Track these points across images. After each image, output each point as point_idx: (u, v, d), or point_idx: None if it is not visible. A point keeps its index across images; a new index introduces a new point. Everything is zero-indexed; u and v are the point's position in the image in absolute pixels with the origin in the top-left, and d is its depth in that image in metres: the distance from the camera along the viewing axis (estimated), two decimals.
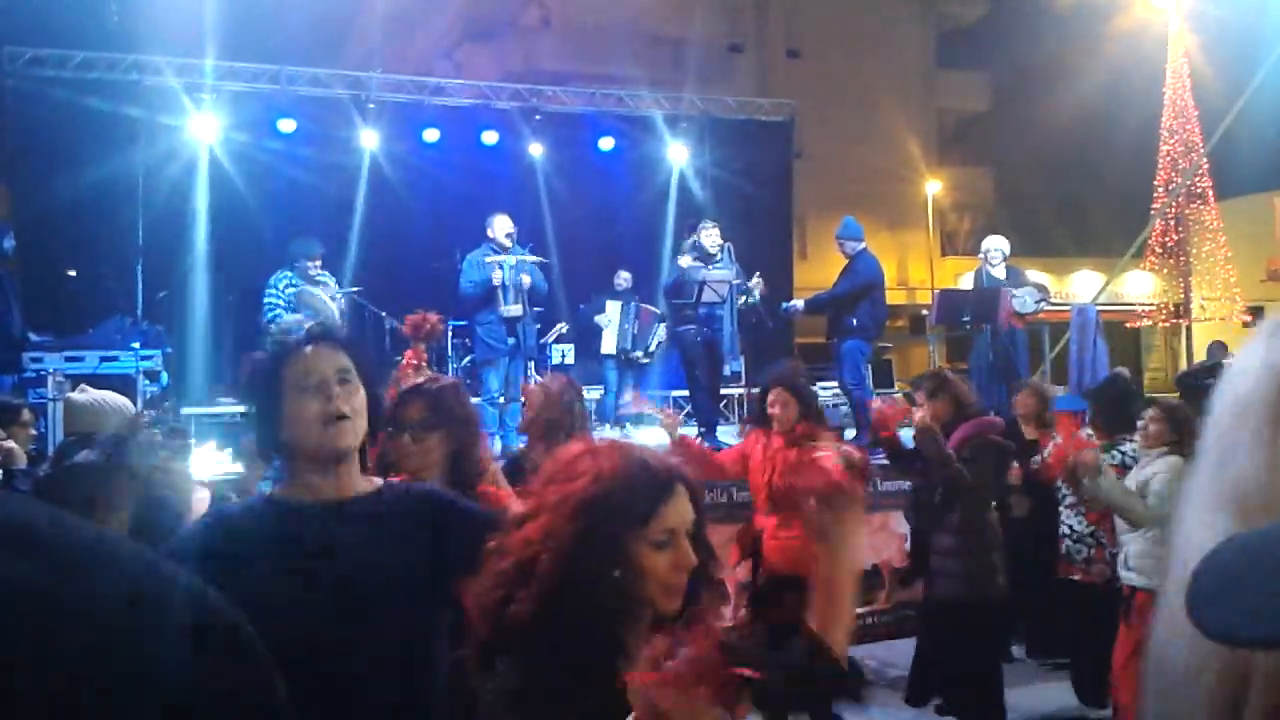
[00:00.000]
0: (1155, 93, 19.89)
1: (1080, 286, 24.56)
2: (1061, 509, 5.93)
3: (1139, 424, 5.14)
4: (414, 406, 3.04)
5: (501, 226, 9.04)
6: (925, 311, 19.45)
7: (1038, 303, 9.80)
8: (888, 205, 24.78)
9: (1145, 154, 19.87)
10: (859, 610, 6.97)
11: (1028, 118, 23.38)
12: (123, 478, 3.71)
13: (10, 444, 4.75)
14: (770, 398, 5.16)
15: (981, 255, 10.13)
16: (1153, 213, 19.13)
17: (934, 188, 25.65)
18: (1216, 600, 0.88)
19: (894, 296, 27.00)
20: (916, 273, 26.38)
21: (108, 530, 0.59)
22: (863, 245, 9.25)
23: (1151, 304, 20.88)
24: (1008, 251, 9.97)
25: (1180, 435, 4.85)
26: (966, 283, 14.50)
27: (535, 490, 1.70)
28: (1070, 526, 5.88)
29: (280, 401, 2.10)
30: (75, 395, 4.27)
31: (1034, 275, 12.75)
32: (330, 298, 8.51)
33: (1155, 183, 19.52)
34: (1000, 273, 9.86)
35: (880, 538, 7.31)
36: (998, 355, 9.75)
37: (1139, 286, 22.74)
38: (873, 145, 23.89)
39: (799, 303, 9.02)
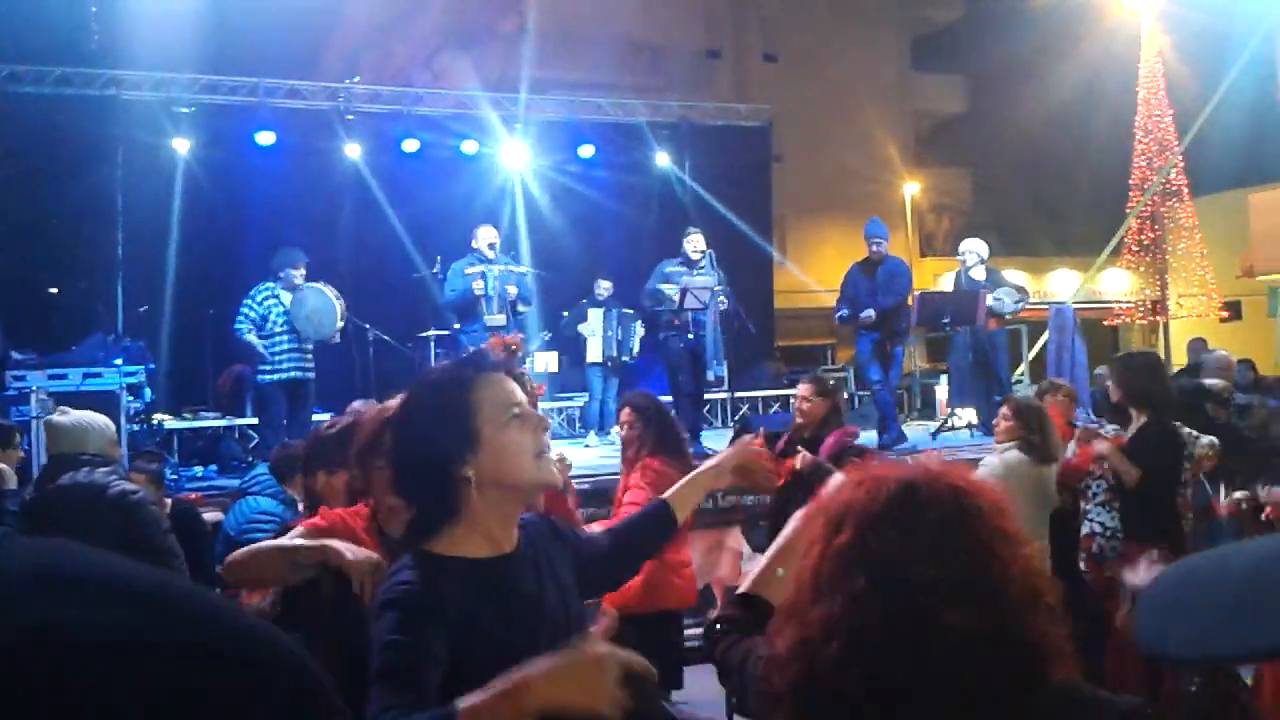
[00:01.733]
0: (1129, 92, 20.05)
1: (1058, 285, 24.72)
2: (1089, 506, 5.65)
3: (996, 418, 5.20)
4: None
5: (485, 236, 9.09)
6: None
7: (1016, 303, 9.89)
8: (866, 207, 24.74)
9: (1120, 153, 20.02)
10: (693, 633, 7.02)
11: (1004, 119, 23.54)
12: (109, 499, 3.74)
13: (1, 466, 4.76)
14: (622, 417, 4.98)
15: (960, 258, 10.22)
16: (1128, 211, 19.29)
17: (912, 189, 25.77)
18: (1155, 621, 1.03)
19: None
20: None
21: (202, 588, 0.62)
22: None
23: (1129, 301, 21.04)
24: (985, 254, 10.07)
25: (1029, 431, 4.92)
26: (946, 283, 14.62)
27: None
28: (1102, 524, 5.58)
29: (475, 429, 1.84)
30: (56, 417, 4.28)
31: (1012, 276, 12.86)
32: (335, 297, 8.52)
33: (1130, 181, 19.67)
34: (979, 274, 9.95)
35: (714, 556, 7.25)
36: (977, 356, 9.84)
37: (1116, 284, 22.92)
38: (850, 148, 24.00)
39: (871, 312, 9.02)
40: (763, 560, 1.93)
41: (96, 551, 0.63)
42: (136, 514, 3.76)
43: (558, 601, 1.92)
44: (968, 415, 10.36)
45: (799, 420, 5.29)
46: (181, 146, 11.62)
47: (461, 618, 1.76)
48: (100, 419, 4.42)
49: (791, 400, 5.58)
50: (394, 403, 2.96)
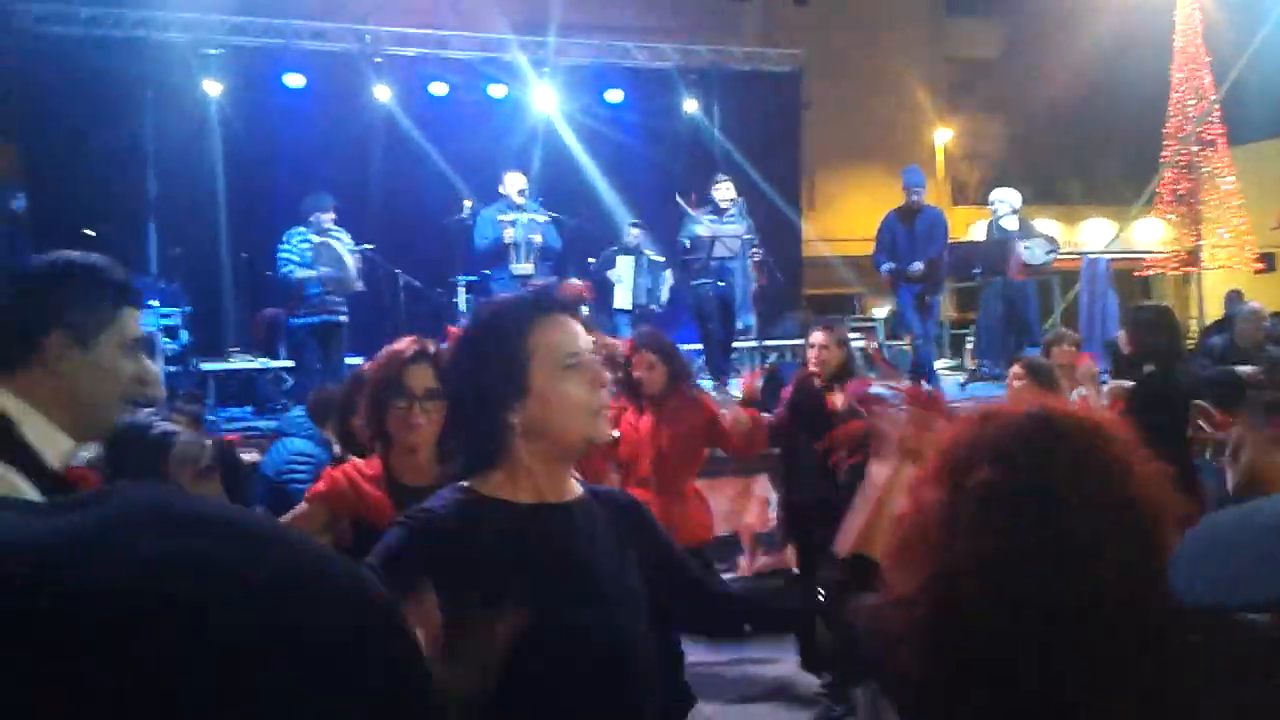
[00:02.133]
0: (1166, 39, 19.68)
1: (1091, 235, 24.47)
2: None
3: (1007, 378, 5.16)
4: (421, 374, 2.79)
5: (513, 183, 9.09)
6: None
7: (1048, 254, 9.81)
8: (897, 155, 24.52)
9: (1156, 101, 19.70)
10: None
11: (1038, 65, 23.15)
12: (150, 439, 3.79)
13: None
14: (635, 360, 4.93)
15: (991, 207, 10.13)
16: (1163, 160, 19.02)
17: (944, 137, 25.47)
18: (1185, 571, 1.10)
19: None
20: None
21: (269, 517, 0.67)
22: None
23: (1162, 252, 20.80)
24: (1017, 204, 9.98)
25: (1045, 388, 4.83)
26: (977, 232, 14.49)
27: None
28: None
29: (525, 374, 1.74)
30: None
31: (1044, 225, 12.76)
32: (348, 251, 8.58)
33: (1165, 130, 19.36)
34: (1010, 224, 9.87)
35: (741, 503, 7.27)
36: (1008, 307, 9.79)
37: (1149, 234, 22.65)
38: (881, 95, 23.71)
39: (919, 265, 8.97)
40: (855, 518, 1.90)
41: (195, 496, 0.69)
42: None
43: (610, 574, 1.79)
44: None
45: (814, 369, 5.27)
46: (212, 89, 11.62)
47: (480, 555, 1.68)
48: None
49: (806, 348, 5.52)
50: (401, 343, 2.89)
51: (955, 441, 1.42)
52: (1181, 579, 1.10)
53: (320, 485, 2.93)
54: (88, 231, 9.72)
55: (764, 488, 7.16)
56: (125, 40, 11.37)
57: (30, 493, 1.68)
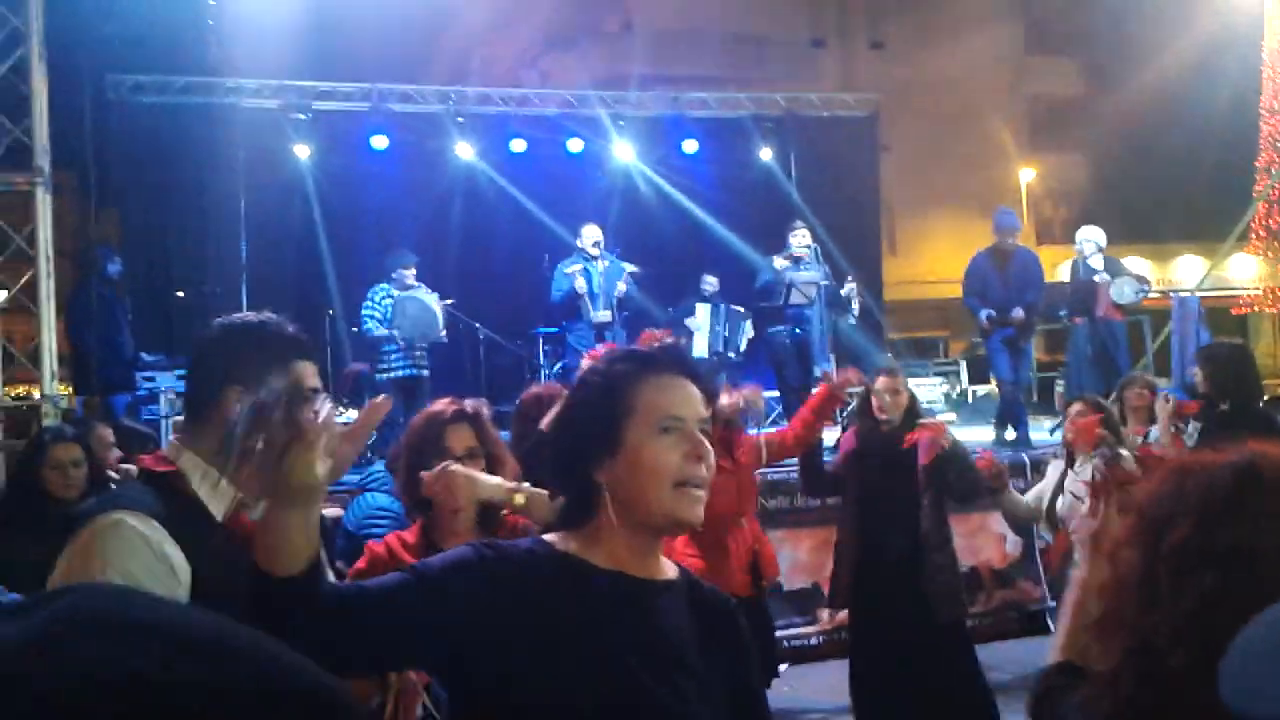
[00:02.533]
0: (1254, 70, 19.20)
1: (1183, 273, 23.87)
2: None
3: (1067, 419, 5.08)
4: (461, 434, 2.74)
5: (590, 235, 9.21)
6: None
7: (1137, 293, 9.57)
8: (979, 195, 24.31)
9: (1246, 133, 19.18)
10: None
11: (1122, 101, 22.78)
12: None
13: (130, 466, 4.97)
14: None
15: (1077, 247, 9.93)
16: (1256, 195, 18.49)
17: (1027, 176, 25.14)
18: (1242, 677, 0.95)
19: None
20: None
21: (233, 622, 0.63)
22: None
23: (1257, 289, 20.17)
24: (1103, 242, 9.76)
25: (1111, 431, 4.78)
26: (1063, 272, 14.21)
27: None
28: None
29: (618, 430, 1.61)
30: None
31: (1133, 263, 12.46)
32: (434, 302, 8.73)
33: (1257, 164, 18.84)
34: (1097, 263, 9.66)
35: (979, 539, 7.17)
36: (1096, 348, 9.56)
37: (1244, 271, 22.00)
38: (962, 135, 23.52)
39: (1021, 312, 8.85)
40: (1063, 621, 1.77)
41: (167, 602, 0.66)
42: None
43: (686, 665, 1.60)
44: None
45: (881, 414, 5.16)
46: (302, 153, 11.97)
47: (536, 603, 1.54)
48: None
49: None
50: (439, 405, 2.87)
51: (1151, 498, 1.31)
52: (1238, 685, 0.94)
53: (361, 563, 2.87)
54: (179, 293, 10.03)
55: (999, 523, 7.03)
56: (218, 107, 11.78)
57: (177, 555, 1.79)
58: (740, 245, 12.42)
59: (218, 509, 1.89)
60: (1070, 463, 4.95)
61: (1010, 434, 9.02)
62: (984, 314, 8.98)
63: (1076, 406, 5.02)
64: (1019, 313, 8.78)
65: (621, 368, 1.67)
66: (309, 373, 2.00)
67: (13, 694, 0.52)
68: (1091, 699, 1.32)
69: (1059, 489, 4.92)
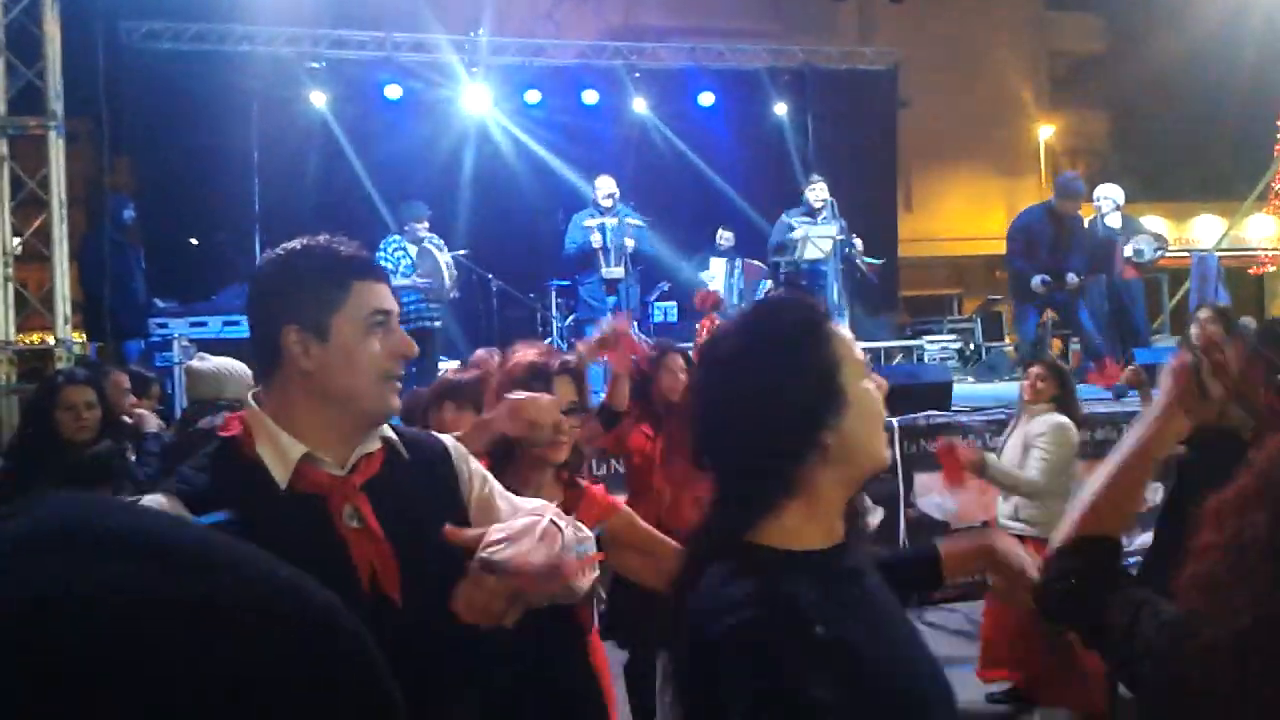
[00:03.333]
0: (1277, 27, 18.90)
1: (1201, 232, 23.65)
2: None
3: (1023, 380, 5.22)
4: (566, 388, 2.69)
5: (603, 187, 9.15)
6: None
7: (1155, 251, 9.50)
8: (997, 152, 24.12)
9: (1268, 91, 18.91)
10: None
11: (1143, 58, 22.43)
12: None
13: (143, 410, 5.00)
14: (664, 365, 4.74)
15: (1095, 204, 9.84)
16: (1276, 155, 18.26)
17: (1046, 133, 24.87)
18: None
19: (1004, 246, 26.34)
20: None
21: (226, 536, 0.59)
22: None
23: (1276, 249, 19.99)
24: (1121, 200, 9.69)
25: (1063, 392, 4.99)
26: None
27: None
28: None
29: (840, 386, 1.45)
30: (196, 363, 4.47)
31: (1151, 222, 12.36)
32: (445, 259, 8.72)
33: (1277, 123, 18.59)
34: (1114, 221, 9.58)
35: (976, 498, 7.13)
36: (1114, 307, 9.51)
37: (1263, 230, 21.80)
38: (981, 91, 23.23)
39: (1074, 277, 8.82)
40: (1085, 495, 1.67)
41: (132, 510, 0.61)
42: None
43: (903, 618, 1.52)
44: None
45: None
46: (316, 101, 11.91)
47: (832, 638, 1.30)
48: (239, 365, 4.60)
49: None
50: (531, 353, 2.71)
51: (1276, 457, 1.22)
52: None
53: None
54: (192, 240, 10.02)
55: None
56: (231, 55, 11.72)
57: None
58: (755, 200, 12.34)
59: (280, 470, 1.69)
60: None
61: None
62: (1038, 279, 8.86)
63: (1037, 369, 5.16)
64: (1073, 278, 8.69)
65: (809, 319, 1.50)
66: (376, 294, 1.75)
67: None
68: (1193, 665, 1.23)
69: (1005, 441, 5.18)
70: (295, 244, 1.77)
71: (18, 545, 0.53)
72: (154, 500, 1.64)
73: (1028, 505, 4.95)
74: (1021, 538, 4.76)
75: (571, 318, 10.03)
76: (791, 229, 9.01)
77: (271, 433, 1.70)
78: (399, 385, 1.80)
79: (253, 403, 1.76)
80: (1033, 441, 4.94)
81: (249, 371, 4.63)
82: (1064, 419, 4.95)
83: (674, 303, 11.17)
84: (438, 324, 8.83)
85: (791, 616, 1.28)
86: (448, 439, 1.98)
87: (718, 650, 1.29)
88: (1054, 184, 9.32)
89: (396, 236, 8.81)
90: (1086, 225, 9.79)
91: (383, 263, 8.70)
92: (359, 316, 1.72)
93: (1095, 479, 1.67)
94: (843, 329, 1.52)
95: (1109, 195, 9.71)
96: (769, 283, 10.45)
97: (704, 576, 1.38)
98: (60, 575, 0.51)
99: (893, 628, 1.46)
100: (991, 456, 4.99)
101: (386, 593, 1.67)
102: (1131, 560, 7.26)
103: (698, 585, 1.37)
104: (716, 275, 10.38)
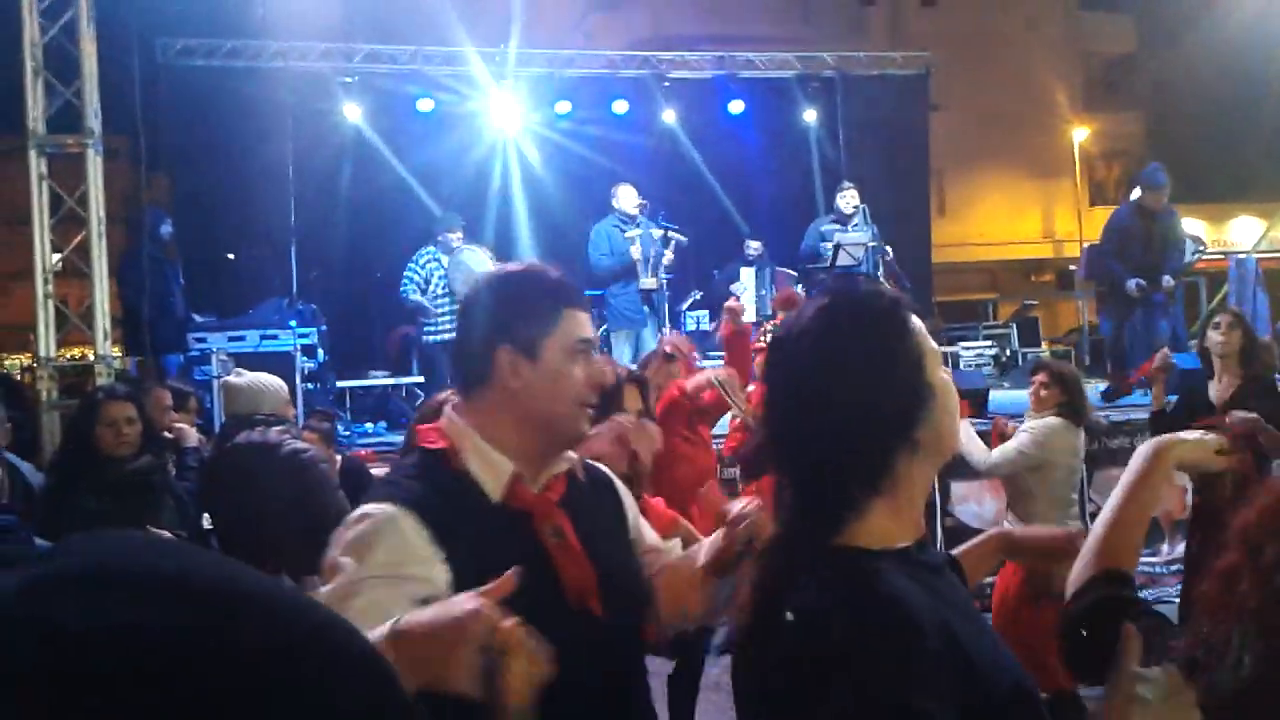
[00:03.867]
0: None
1: (1239, 234, 23.36)
2: None
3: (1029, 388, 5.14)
4: (634, 396, 2.83)
5: (629, 197, 9.14)
6: (1073, 266, 18.80)
7: (1193, 253, 9.39)
8: (1032, 155, 23.96)
9: None
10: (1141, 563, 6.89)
11: (1178, 58, 22.23)
12: (280, 457, 3.93)
13: (182, 425, 5.05)
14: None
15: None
16: None
17: (1081, 135, 24.66)
18: None
19: (1040, 250, 26.11)
20: (1064, 224, 25.44)
21: (270, 579, 0.60)
22: None
23: None
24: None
25: (1070, 397, 4.89)
26: None
27: None
28: None
29: (927, 380, 1.41)
30: (232, 379, 4.52)
31: (1189, 224, 12.20)
32: (488, 260, 8.75)
33: None
34: None
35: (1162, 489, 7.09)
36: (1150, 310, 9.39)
37: None
38: (1014, 94, 23.09)
39: (1170, 279, 8.62)
40: (1098, 528, 1.71)
41: (164, 549, 0.61)
42: (306, 473, 3.93)
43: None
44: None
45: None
46: (351, 114, 12.00)
47: (944, 641, 1.26)
48: (274, 380, 4.64)
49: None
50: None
51: (1254, 513, 1.28)
52: None
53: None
54: (229, 255, 10.12)
55: (1179, 474, 6.97)
56: (265, 70, 11.82)
57: (419, 539, 1.65)
58: (786, 208, 12.31)
59: (492, 485, 1.76)
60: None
61: None
62: (1132, 283, 8.58)
63: (1040, 376, 5.08)
64: (1169, 281, 8.50)
65: (891, 311, 1.44)
66: (580, 322, 1.85)
67: None
68: (1209, 669, 1.24)
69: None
70: (512, 267, 1.91)
71: (48, 582, 0.53)
72: (380, 509, 1.68)
73: (1024, 513, 4.87)
74: None
75: (604, 328, 10.04)
76: (824, 236, 8.98)
77: (480, 448, 1.77)
78: (591, 412, 1.88)
79: (455, 417, 1.82)
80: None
81: (285, 386, 4.67)
82: (1057, 421, 4.85)
83: (706, 311, 11.15)
84: None
85: (898, 622, 1.24)
86: (603, 467, 2.09)
87: (818, 664, 1.24)
88: (1138, 179, 9.09)
89: (430, 248, 8.87)
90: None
91: (410, 275, 8.78)
92: (567, 342, 1.81)
93: (1111, 508, 1.71)
94: (923, 327, 1.48)
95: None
96: (799, 287, 10.42)
97: (795, 587, 1.32)
98: (87, 611, 0.51)
99: (982, 620, 1.45)
100: None
101: (589, 605, 1.75)
102: (1169, 569, 7.20)
103: (788, 597, 1.32)
104: (747, 286, 10.35)
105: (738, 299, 5.32)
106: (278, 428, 4.07)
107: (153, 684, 0.50)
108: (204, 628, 0.53)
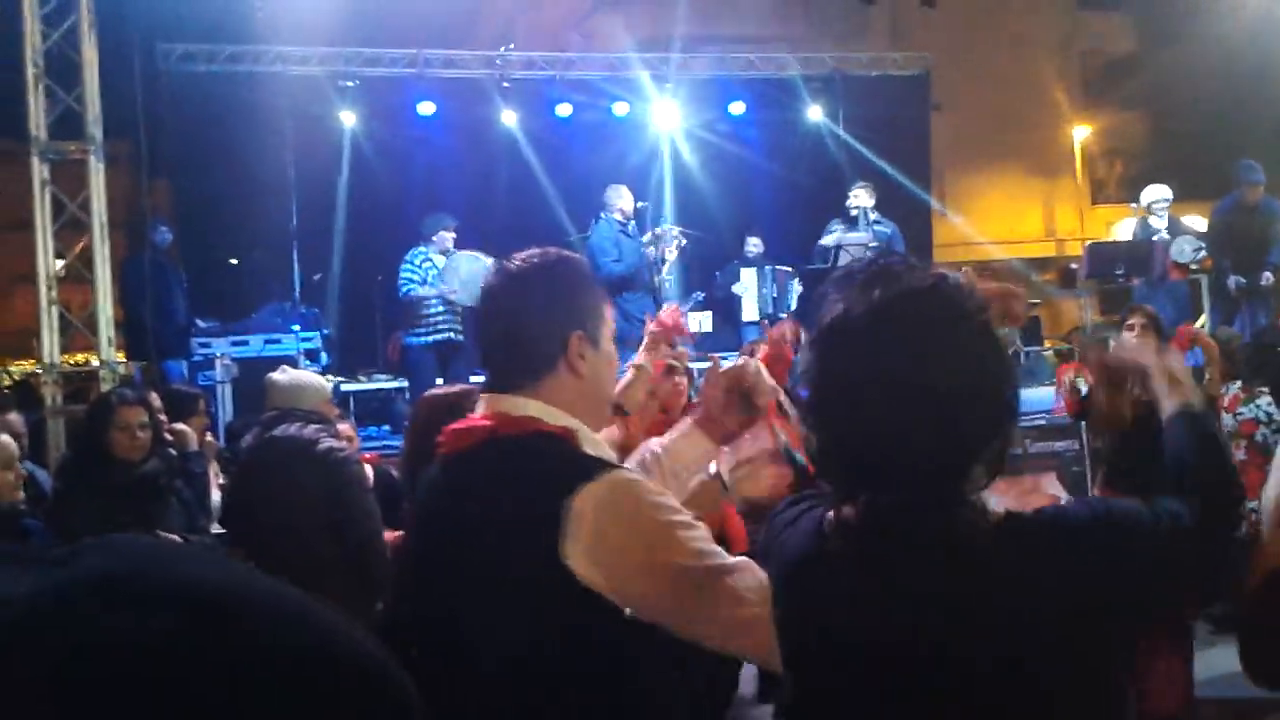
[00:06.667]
0: None
1: None
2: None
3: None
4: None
5: (627, 200, 9.13)
6: (1075, 265, 18.77)
7: (1196, 251, 9.37)
8: (1033, 154, 23.90)
9: None
10: None
11: (1178, 56, 22.18)
12: (314, 454, 3.93)
13: (182, 426, 5.04)
14: None
15: (1145, 206, 9.72)
16: None
17: (1082, 133, 24.63)
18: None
19: (1042, 249, 26.06)
20: (1065, 223, 25.39)
21: (278, 585, 0.59)
22: None
23: None
24: (1170, 200, 9.58)
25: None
26: (1119, 231, 13.95)
27: None
28: (1268, 413, 5.62)
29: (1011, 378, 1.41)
30: (276, 375, 4.50)
31: (1193, 222, 12.17)
32: (486, 263, 8.75)
33: None
34: (1160, 223, 9.47)
35: (1032, 500, 7.04)
36: (1156, 308, 9.37)
37: None
38: (1015, 93, 23.05)
39: (1269, 275, 8.60)
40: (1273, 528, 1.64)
41: (192, 557, 0.61)
42: (340, 471, 3.94)
43: None
44: None
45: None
46: (349, 119, 11.99)
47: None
48: (317, 379, 4.64)
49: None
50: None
51: None
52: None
53: None
54: (232, 260, 10.11)
55: (1055, 486, 6.84)
56: (265, 75, 11.81)
57: None
58: (789, 208, 12.30)
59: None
60: None
61: None
62: (1233, 281, 8.60)
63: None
64: (1269, 278, 8.48)
65: (971, 293, 1.42)
66: (611, 316, 1.97)
67: (14, 670, 0.49)
68: None
69: None
70: (559, 254, 1.91)
71: (65, 592, 0.53)
72: (633, 474, 1.81)
73: None
74: None
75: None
76: (829, 235, 9.00)
77: (583, 432, 1.81)
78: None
79: (536, 402, 1.80)
80: None
81: (327, 385, 4.67)
82: None
83: (709, 312, 11.14)
84: (461, 337, 8.87)
85: None
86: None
87: None
88: (1235, 170, 9.05)
89: (423, 248, 8.87)
90: (1133, 226, 9.64)
91: (408, 273, 8.76)
92: (611, 333, 1.91)
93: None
94: None
95: (1162, 196, 9.64)
96: (796, 281, 10.42)
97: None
98: (107, 624, 0.51)
99: None
100: None
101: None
102: None
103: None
104: (749, 287, 10.35)
105: (778, 323, 5.15)
106: (314, 425, 4.07)
107: (162, 690, 0.50)
108: (213, 634, 0.53)
